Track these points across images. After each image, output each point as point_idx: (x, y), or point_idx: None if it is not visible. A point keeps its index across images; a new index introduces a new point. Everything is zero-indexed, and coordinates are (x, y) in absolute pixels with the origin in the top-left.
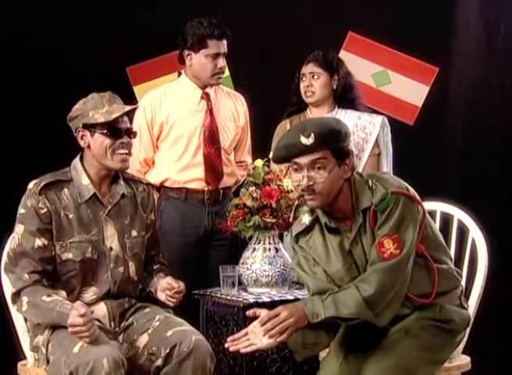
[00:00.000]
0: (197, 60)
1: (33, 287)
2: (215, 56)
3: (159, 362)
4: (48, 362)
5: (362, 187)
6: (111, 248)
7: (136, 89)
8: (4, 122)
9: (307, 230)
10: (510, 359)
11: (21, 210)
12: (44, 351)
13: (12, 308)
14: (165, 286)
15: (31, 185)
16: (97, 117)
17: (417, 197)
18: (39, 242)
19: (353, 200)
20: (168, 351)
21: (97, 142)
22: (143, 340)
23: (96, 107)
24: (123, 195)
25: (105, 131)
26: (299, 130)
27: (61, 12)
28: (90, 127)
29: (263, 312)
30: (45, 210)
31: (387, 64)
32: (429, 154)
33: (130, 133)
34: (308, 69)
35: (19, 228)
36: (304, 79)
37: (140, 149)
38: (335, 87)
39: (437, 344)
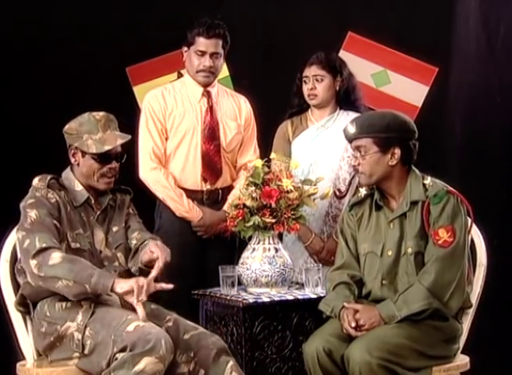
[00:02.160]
0: (189, 56)
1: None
2: (201, 54)
3: (183, 368)
4: (83, 347)
5: (417, 181)
6: (100, 252)
7: (136, 89)
8: (3, 122)
9: (361, 201)
10: (509, 359)
11: (29, 201)
12: (78, 337)
13: (12, 309)
14: (148, 257)
15: (36, 181)
16: (90, 144)
17: (466, 202)
18: (55, 222)
19: (405, 189)
20: (192, 355)
21: (86, 164)
22: None
23: (90, 132)
24: (108, 202)
25: (96, 156)
26: (352, 120)
27: (61, 13)
28: (84, 151)
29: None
30: (54, 200)
31: (387, 64)
32: (429, 154)
33: (119, 158)
34: (311, 71)
35: (32, 212)
36: (306, 81)
37: (147, 141)
38: (337, 88)
39: (427, 339)
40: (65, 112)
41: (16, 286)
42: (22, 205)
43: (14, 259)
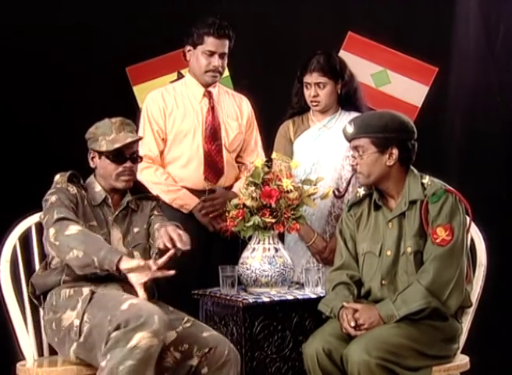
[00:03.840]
0: (195, 56)
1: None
2: (210, 54)
3: (194, 360)
4: (79, 334)
5: (416, 180)
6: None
7: (136, 89)
8: (3, 121)
9: (360, 202)
10: (508, 359)
11: (49, 192)
12: (77, 323)
13: (12, 309)
14: (166, 240)
15: (58, 177)
16: (102, 144)
17: (465, 200)
18: (71, 204)
19: (404, 189)
20: (206, 350)
21: (103, 165)
22: (170, 335)
23: (105, 133)
24: (129, 205)
25: (110, 157)
26: (350, 120)
27: (61, 12)
28: (98, 151)
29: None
30: (74, 192)
31: (386, 64)
32: (429, 154)
33: (135, 158)
34: (313, 78)
35: (51, 198)
36: (308, 87)
37: (141, 144)
38: (339, 91)
39: (427, 338)
40: (65, 112)
41: (16, 285)
42: (44, 199)
43: (14, 259)
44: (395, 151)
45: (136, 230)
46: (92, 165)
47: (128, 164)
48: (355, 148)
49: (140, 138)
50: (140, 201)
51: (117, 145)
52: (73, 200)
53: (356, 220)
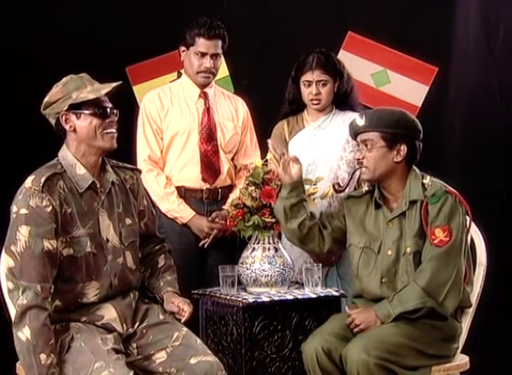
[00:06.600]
0: (188, 57)
1: (43, 320)
2: (202, 55)
3: None
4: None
5: (417, 180)
6: (107, 240)
7: (136, 89)
8: (4, 122)
9: (360, 196)
10: (508, 359)
11: (22, 210)
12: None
13: (12, 309)
14: (175, 310)
15: (29, 183)
16: (85, 96)
17: (464, 202)
18: (48, 245)
19: (405, 188)
20: None
21: (84, 123)
22: (160, 356)
23: (79, 87)
24: (113, 183)
25: (93, 111)
26: (360, 113)
27: (61, 12)
28: (76, 109)
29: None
30: (50, 208)
31: (386, 64)
32: (428, 154)
33: (114, 113)
34: (315, 76)
35: (23, 229)
36: (308, 85)
37: (143, 146)
38: (336, 90)
39: (426, 338)
40: None
41: None
42: (13, 210)
43: None
44: (403, 148)
45: (128, 221)
46: (69, 128)
47: (112, 118)
48: (363, 142)
49: (122, 83)
50: (121, 170)
51: (105, 90)
52: (49, 228)
53: (350, 210)
